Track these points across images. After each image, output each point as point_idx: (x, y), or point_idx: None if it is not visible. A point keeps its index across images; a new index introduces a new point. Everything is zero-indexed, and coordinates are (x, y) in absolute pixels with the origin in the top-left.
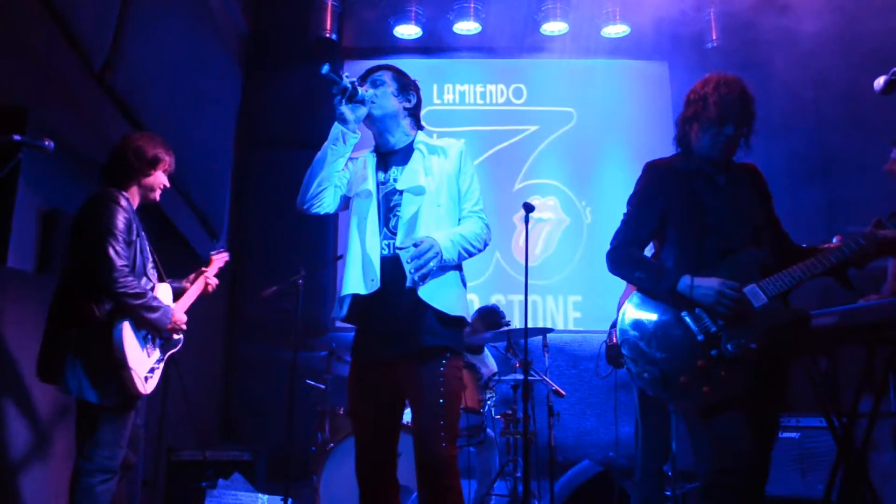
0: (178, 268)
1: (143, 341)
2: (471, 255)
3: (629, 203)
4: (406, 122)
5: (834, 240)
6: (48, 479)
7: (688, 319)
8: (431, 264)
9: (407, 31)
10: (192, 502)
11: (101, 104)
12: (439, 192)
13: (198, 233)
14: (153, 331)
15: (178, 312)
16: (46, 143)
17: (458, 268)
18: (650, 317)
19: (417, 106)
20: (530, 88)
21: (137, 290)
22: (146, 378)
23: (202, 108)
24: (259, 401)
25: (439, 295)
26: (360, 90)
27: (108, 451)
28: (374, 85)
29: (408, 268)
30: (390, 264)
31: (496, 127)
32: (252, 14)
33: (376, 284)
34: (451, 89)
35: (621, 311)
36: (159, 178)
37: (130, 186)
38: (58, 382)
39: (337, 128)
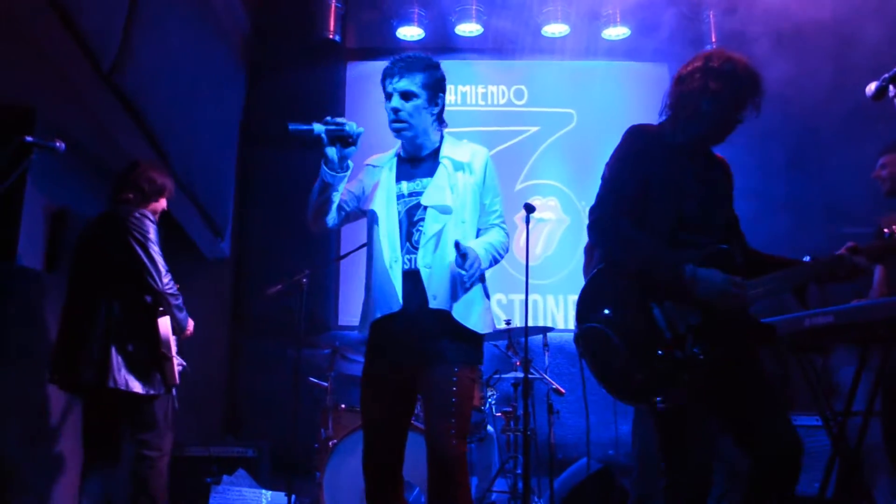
0: (181, 267)
1: (175, 337)
2: (497, 262)
3: (611, 168)
4: (433, 128)
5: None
6: (56, 475)
7: (656, 313)
8: (476, 276)
9: (409, 32)
10: (197, 498)
11: (109, 104)
12: (463, 208)
13: (202, 232)
14: (177, 330)
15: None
16: (57, 144)
17: (483, 280)
18: (613, 304)
19: (443, 106)
20: (531, 90)
21: (176, 292)
22: (178, 370)
23: (207, 108)
24: (263, 398)
25: (468, 314)
26: (349, 127)
27: (163, 434)
28: (406, 98)
29: (453, 281)
30: (411, 279)
31: (497, 128)
32: (255, 15)
33: (398, 305)
34: (452, 90)
35: (580, 297)
36: (163, 204)
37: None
38: (94, 380)
39: (322, 169)
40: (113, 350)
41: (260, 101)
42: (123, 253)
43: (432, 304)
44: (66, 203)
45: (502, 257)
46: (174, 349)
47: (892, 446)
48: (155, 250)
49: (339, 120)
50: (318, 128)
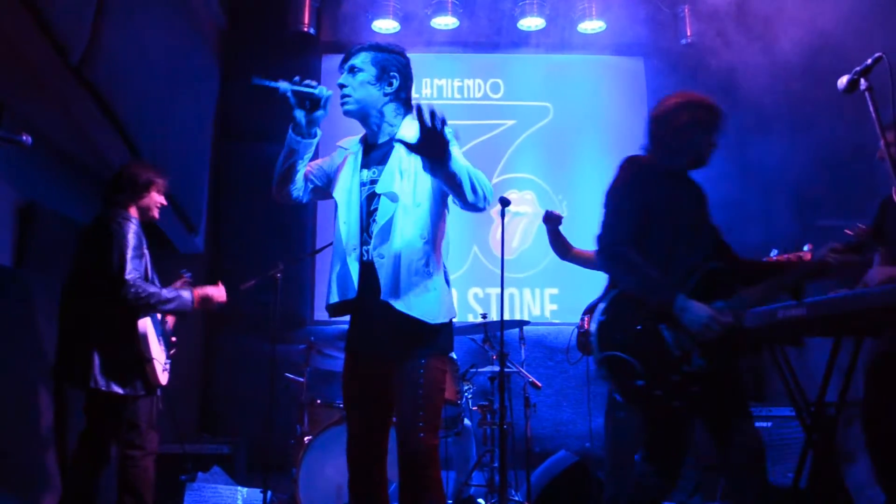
0: (157, 264)
1: (160, 337)
2: (480, 192)
3: (612, 197)
4: (390, 109)
5: (805, 247)
6: (30, 473)
7: (665, 333)
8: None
9: (385, 25)
10: (172, 496)
11: (79, 98)
12: (415, 191)
13: (176, 227)
14: (181, 317)
15: (198, 290)
16: (24, 137)
17: (442, 270)
18: (628, 329)
19: (402, 87)
20: (507, 83)
21: (149, 292)
22: (164, 371)
23: (180, 101)
24: (238, 394)
25: (417, 304)
26: (319, 90)
27: (145, 434)
28: (352, 73)
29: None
30: (367, 269)
31: (473, 121)
32: (230, 7)
33: (353, 292)
34: (428, 84)
35: (599, 324)
36: (154, 199)
37: (129, 208)
38: (80, 382)
39: (289, 133)
40: (94, 353)
41: (234, 95)
42: (102, 256)
43: (384, 296)
44: (34, 197)
45: (481, 191)
46: (154, 350)
47: (872, 435)
48: (128, 258)
49: (310, 82)
50: (284, 86)
